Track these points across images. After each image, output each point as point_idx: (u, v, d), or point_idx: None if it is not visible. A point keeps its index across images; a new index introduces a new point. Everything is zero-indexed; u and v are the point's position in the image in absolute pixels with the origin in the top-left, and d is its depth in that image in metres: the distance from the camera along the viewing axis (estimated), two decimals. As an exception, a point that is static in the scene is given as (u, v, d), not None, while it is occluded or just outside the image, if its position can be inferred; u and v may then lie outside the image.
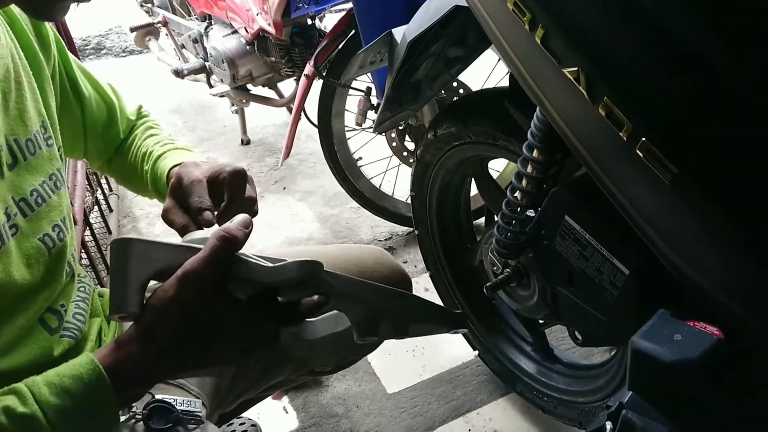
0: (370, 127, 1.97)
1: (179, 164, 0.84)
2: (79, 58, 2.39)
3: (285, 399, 1.57)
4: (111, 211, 2.31)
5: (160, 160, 0.89)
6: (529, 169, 0.95)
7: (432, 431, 1.46)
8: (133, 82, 3.56)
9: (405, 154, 2.06)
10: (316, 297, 0.62)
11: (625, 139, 0.60)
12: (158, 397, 0.79)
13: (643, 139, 0.58)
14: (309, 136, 2.79)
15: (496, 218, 1.35)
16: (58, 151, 0.82)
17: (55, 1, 0.64)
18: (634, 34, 0.57)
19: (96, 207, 2.14)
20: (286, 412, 1.54)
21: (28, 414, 0.52)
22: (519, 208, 1.01)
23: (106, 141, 0.97)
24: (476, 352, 1.53)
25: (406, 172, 2.14)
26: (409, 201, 2.17)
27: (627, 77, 0.58)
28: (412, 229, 2.21)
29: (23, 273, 0.70)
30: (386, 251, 1.14)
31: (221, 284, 0.58)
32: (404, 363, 1.64)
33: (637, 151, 0.59)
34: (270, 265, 0.58)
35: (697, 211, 0.60)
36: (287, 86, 2.61)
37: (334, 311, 0.68)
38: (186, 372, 0.61)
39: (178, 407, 0.79)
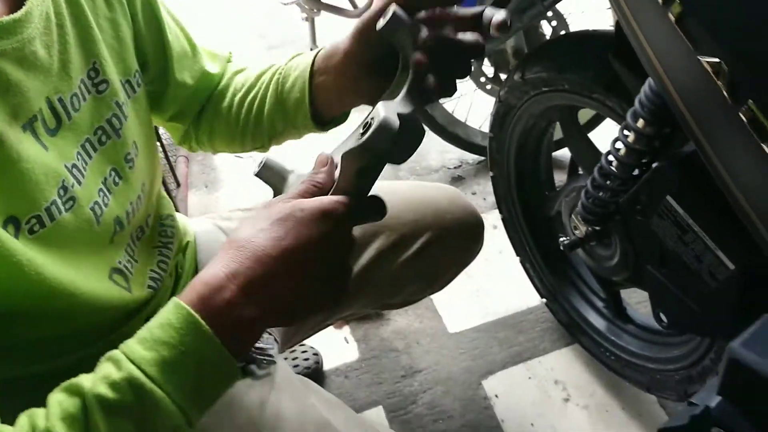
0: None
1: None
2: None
3: (346, 329, 1.59)
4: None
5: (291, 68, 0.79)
6: (631, 138, 0.86)
7: (491, 375, 1.45)
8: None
9: (483, 80, 1.93)
10: None
11: (768, 151, 0.51)
12: None
13: (794, 158, 0.49)
14: (380, 48, 2.67)
15: (579, 171, 1.27)
16: (124, 85, 0.71)
17: None
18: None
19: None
20: (347, 342, 1.56)
21: (126, 377, 0.48)
22: (613, 177, 0.93)
23: (193, 74, 0.84)
24: (543, 300, 1.49)
25: (482, 99, 2.03)
26: (483, 129, 2.08)
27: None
28: (483, 158, 2.13)
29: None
30: (460, 191, 1.10)
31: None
32: (467, 303, 1.62)
33: (782, 169, 0.50)
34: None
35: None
36: (361, -6, 2.47)
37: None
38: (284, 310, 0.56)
39: None
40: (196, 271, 0.91)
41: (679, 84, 0.62)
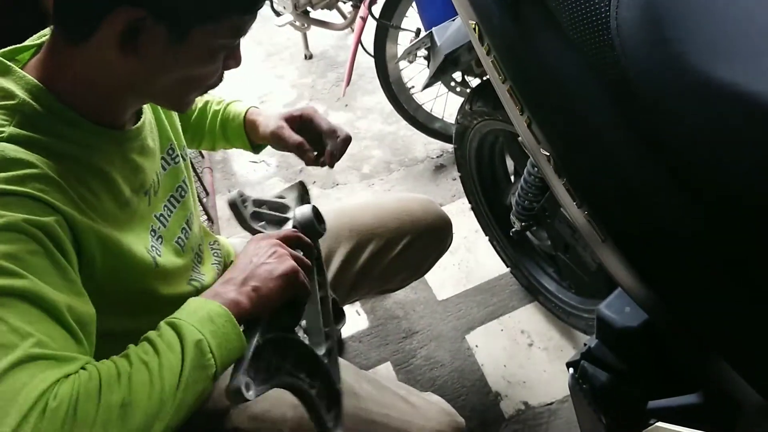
0: (421, 58, 2.20)
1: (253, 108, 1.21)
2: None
3: (357, 304, 2.00)
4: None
5: (229, 106, 1.22)
6: (533, 178, 1.24)
7: (472, 330, 1.86)
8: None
9: (452, 84, 2.29)
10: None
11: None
12: None
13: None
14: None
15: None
16: (183, 160, 1.06)
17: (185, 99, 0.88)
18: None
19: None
20: (359, 315, 1.98)
21: (169, 323, 0.73)
22: (530, 192, 1.31)
23: None
24: (509, 268, 1.88)
25: (454, 98, 2.39)
26: (457, 124, 2.44)
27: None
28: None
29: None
30: (433, 201, 1.45)
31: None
32: (451, 274, 2.02)
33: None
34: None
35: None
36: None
37: None
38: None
39: None
40: None
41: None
